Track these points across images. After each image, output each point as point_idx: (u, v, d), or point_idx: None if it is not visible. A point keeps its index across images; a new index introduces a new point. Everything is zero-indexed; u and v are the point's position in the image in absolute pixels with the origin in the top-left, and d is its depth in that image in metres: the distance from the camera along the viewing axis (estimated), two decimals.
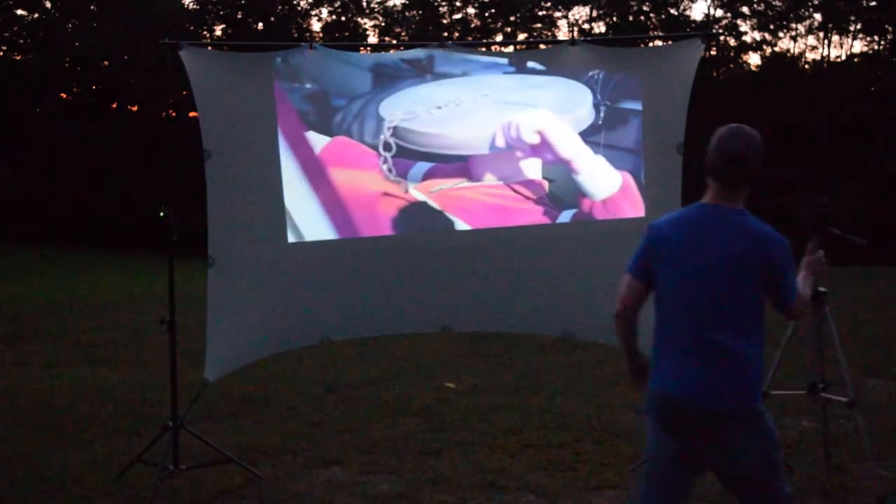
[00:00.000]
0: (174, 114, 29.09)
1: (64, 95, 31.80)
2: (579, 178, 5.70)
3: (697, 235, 3.32)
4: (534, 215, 5.77)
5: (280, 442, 6.07)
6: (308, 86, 5.83)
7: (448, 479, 5.34)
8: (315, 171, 5.71)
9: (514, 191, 5.74)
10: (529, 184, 5.72)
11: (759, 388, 3.32)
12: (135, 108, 31.08)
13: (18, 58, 32.13)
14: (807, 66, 33.40)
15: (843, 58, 33.36)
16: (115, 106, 31.62)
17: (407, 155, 5.70)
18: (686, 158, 5.50)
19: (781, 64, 32.62)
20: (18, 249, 23.57)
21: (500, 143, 5.71)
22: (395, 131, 5.70)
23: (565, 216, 5.74)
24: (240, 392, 7.37)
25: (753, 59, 34.58)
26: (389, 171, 5.69)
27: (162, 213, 5.26)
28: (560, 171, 5.72)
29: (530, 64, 5.84)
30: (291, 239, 5.64)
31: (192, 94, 5.43)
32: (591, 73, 5.68)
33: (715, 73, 32.16)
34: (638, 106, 5.63)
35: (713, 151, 3.33)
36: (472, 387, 7.80)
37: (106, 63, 30.73)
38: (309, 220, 5.68)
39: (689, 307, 3.31)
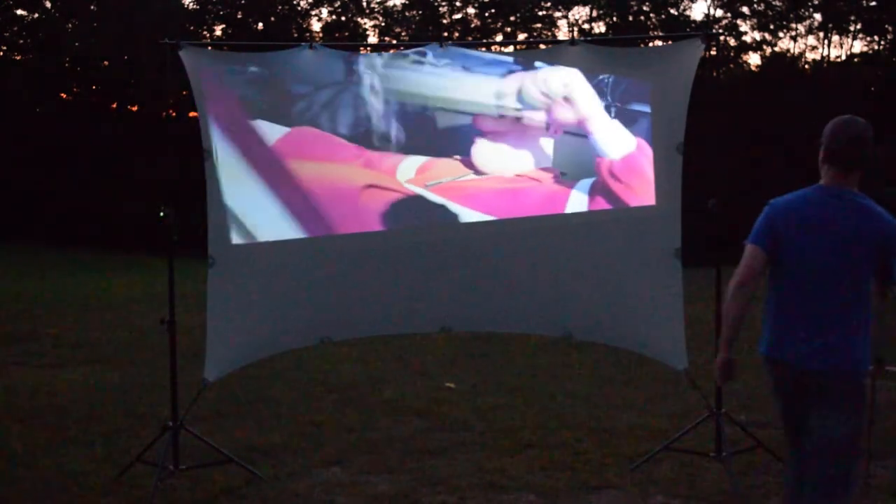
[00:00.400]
0: (174, 114, 29.08)
1: (64, 95, 31.76)
2: (594, 139, 5.47)
3: (818, 213, 3.66)
4: (545, 197, 5.51)
5: (280, 442, 6.07)
6: (253, 69, 5.47)
7: (448, 479, 5.34)
8: (268, 164, 5.35)
9: (521, 175, 5.50)
10: (539, 168, 5.48)
11: (867, 353, 3.65)
12: (135, 108, 31.04)
13: (18, 58, 32.11)
14: (807, 66, 33.36)
15: (843, 58, 33.35)
16: (115, 106, 31.58)
17: (398, 144, 5.40)
18: (686, 158, 5.49)
19: (781, 64, 32.56)
20: (18, 249, 23.55)
21: (510, 89, 5.36)
22: (385, 79, 5.33)
23: (583, 186, 5.49)
24: (240, 392, 7.37)
25: (753, 59, 34.54)
26: (375, 160, 5.39)
27: (162, 213, 5.26)
28: (573, 141, 5.47)
29: (538, 64, 5.61)
30: (236, 240, 5.35)
31: (192, 94, 5.43)
32: (601, 77, 5.51)
33: (715, 73, 32.12)
34: (647, 108, 5.54)
35: (831, 139, 3.70)
36: (472, 387, 7.80)
37: (106, 63, 30.70)
38: (262, 219, 5.39)
39: (808, 279, 3.63)
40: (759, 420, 6.44)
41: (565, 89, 5.46)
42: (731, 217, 5.46)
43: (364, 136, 5.52)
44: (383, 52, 5.62)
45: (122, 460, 5.53)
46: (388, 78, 5.52)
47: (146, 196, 23.84)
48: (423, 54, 5.56)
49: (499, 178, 5.56)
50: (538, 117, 5.52)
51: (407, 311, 5.75)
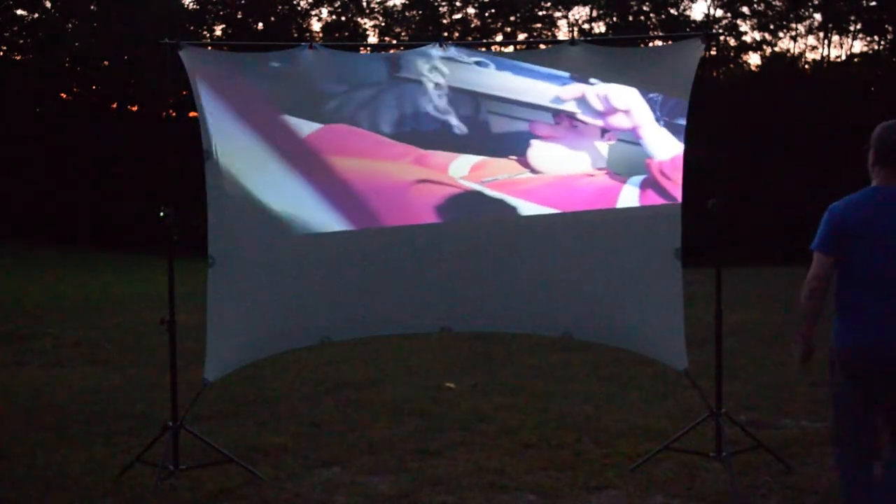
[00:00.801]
0: (174, 114, 29.13)
1: (64, 95, 31.80)
2: (643, 142, 5.55)
3: (877, 211, 3.91)
4: (599, 190, 5.56)
5: (280, 442, 6.07)
6: (275, 64, 5.52)
7: (448, 479, 5.34)
8: (304, 157, 5.42)
9: (575, 174, 5.55)
10: (595, 168, 5.54)
11: None
12: (135, 108, 31.07)
13: (18, 58, 32.14)
14: (807, 66, 33.40)
15: (843, 58, 33.39)
16: (115, 106, 31.62)
17: (449, 143, 5.43)
18: (686, 158, 5.49)
19: (781, 64, 32.60)
20: (18, 249, 23.57)
21: (569, 95, 5.46)
22: (440, 77, 5.38)
23: (634, 181, 5.56)
24: (240, 392, 7.37)
25: (753, 59, 34.59)
26: (424, 158, 5.44)
27: (162, 213, 5.26)
28: (626, 146, 5.55)
29: (592, 80, 5.61)
30: (272, 236, 5.44)
31: (192, 94, 5.43)
32: (651, 95, 5.54)
33: (715, 73, 32.14)
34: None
35: (879, 142, 3.96)
36: (472, 387, 7.80)
37: (106, 63, 30.74)
38: (302, 212, 5.46)
39: (875, 273, 3.88)
40: (759, 420, 6.45)
41: (625, 104, 5.56)
42: (732, 217, 5.48)
43: (411, 135, 5.55)
44: (434, 50, 5.55)
45: (122, 460, 5.53)
46: (443, 75, 5.55)
47: (146, 196, 23.90)
48: (485, 65, 5.60)
49: (555, 176, 5.63)
50: (595, 122, 5.58)
51: (407, 311, 5.75)
